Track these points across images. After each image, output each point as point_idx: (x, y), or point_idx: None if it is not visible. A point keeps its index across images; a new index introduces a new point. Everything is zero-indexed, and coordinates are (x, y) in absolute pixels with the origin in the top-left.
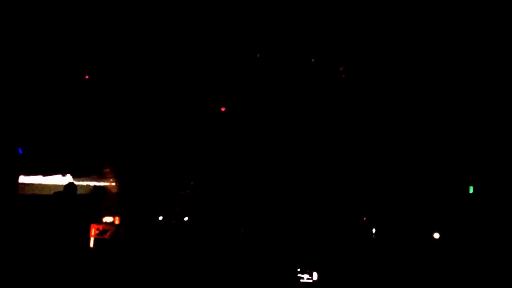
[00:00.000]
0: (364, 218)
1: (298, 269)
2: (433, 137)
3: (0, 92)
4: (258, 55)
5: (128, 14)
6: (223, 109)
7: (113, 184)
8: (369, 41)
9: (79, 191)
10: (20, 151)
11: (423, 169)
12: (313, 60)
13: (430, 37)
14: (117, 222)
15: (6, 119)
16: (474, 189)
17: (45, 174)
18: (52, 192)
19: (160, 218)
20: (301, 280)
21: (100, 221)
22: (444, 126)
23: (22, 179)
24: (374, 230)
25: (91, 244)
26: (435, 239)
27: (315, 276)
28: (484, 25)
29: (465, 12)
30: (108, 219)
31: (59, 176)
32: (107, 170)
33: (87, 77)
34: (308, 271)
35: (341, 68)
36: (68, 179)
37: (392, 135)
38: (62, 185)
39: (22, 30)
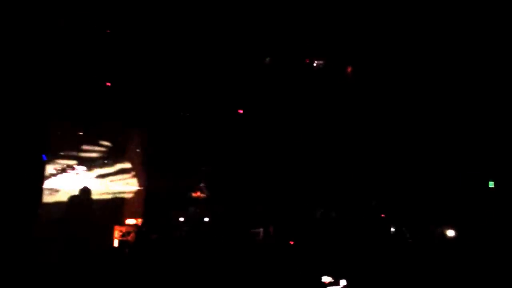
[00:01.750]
0: (383, 215)
1: (324, 276)
2: (450, 135)
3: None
4: (267, 59)
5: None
6: (240, 111)
7: (136, 186)
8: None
9: (101, 195)
10: (44, 158)
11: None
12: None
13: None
14: (139, 224)
15: (30, 126)
16: (494, 184)
17: (67, 178)
18: (74, 196)
19: (181, 219)
20: None
21: (123, 223)
22: (459, 124)
23: (45, 183)
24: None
25: (115, 245)
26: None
27: (342, 283)
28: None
29: (465, 14)
30: (130, 221)
31: (81, 179)
32: (129, 172)
33: (108, 84)
34: (334, 278)
35: (349, 69)
36: (86, 183)
37: (408, 135)
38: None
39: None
